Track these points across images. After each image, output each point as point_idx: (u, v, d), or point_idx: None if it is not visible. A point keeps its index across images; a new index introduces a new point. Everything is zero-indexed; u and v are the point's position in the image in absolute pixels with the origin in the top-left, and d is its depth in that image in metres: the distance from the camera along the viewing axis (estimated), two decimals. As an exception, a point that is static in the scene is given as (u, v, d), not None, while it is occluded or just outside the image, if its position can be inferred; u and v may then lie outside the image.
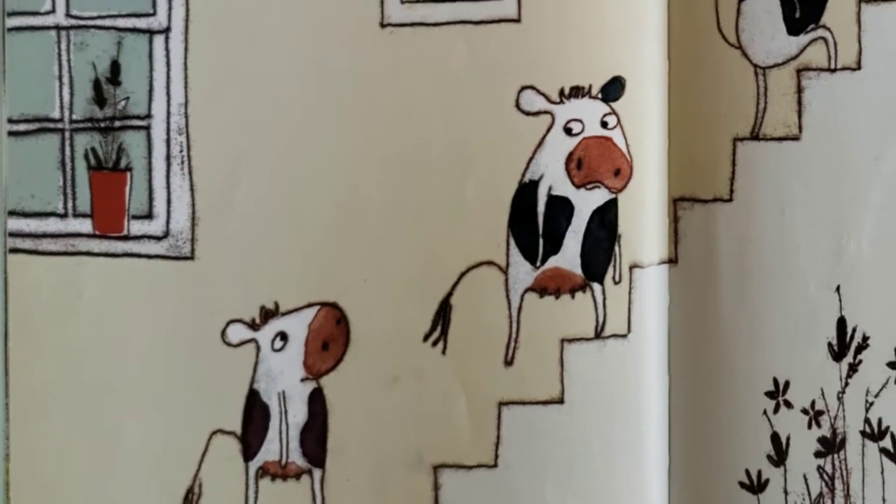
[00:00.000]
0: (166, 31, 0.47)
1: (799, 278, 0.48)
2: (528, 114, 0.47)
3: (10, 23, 0.47)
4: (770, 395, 0.48)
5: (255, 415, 0.47)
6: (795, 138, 0.49)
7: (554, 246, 0.48)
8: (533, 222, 0.47)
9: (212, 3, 0.47)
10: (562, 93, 0.47)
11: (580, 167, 0.48)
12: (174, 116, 0.47)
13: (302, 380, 0.47)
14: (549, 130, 0.48)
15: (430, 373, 0.47)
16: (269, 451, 0.47)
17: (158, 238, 0.47)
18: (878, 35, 0.48)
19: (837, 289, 0.48)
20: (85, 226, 0.47)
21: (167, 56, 0.47)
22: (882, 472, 0.48)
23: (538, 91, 0.47)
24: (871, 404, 0.48)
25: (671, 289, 0.48)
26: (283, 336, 0.47)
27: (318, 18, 0.47)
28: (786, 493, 0.48)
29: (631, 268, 0.48)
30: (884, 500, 0.48)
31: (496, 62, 0.47)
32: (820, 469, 0.48)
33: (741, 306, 0.48)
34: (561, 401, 0.47)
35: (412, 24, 0.47)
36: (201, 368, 0.47)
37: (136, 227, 0.48)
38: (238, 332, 0.47)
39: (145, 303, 0.47)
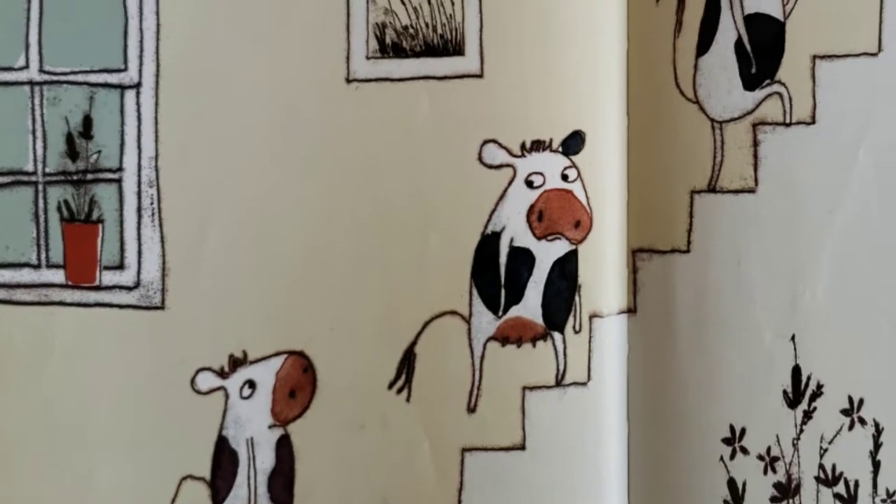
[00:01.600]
0: (137, 86, 0.49)
1: (755, 328, 0.50)
2: (490, 167, 0.49)
3: (-15, 78, 0.49)
4: (727, 441, 0.50)
5: (224, 461, 0.49)
6: (751, 191, 0.50)
7: (516, 296, 0.49)
8: (495, 273, 0.49)
9: (182, 59, 0.49)
10: (523, 146, 0.49)
11: (541, 219, 0.49)
12: (145, 170, 0.49)
13: (270, 427, 0.49)
14: (510, 183, 0.49)
15: (394, 420, 0.49)
16: (238, 496, 0.49)
17: (130, 288, 0.49)
18: (832, 90, 0.50)
19: (792, 338, 0.50)
20: (58, 276, 0.49)
21: (138, 110, 0.49)
22: (836, 517, 0.50)
23: (500, 145, 0.49)
24: (826, 450, 0.50)
25: (630, 338, 0.50)
26: (252, 384, 0.49)
27: (285, 73, 0.49)
28: (743, 536, 0.50)
29: (591, 317, 0.49)
30: (838, 544, 0.50)
31: (459, 116, 0.49)
32: (776, 514, 0.50)
33: (698, 355, 0.50)
34: (522, 447, 0.49)
35: (377, 80, 0.49)
36: (171, 415, 0.49)
37: (108, 278, 0.49)
38: (207, 380, 0.49)
39: (117, 351, 0.49)
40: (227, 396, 0.49)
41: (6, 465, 0.48)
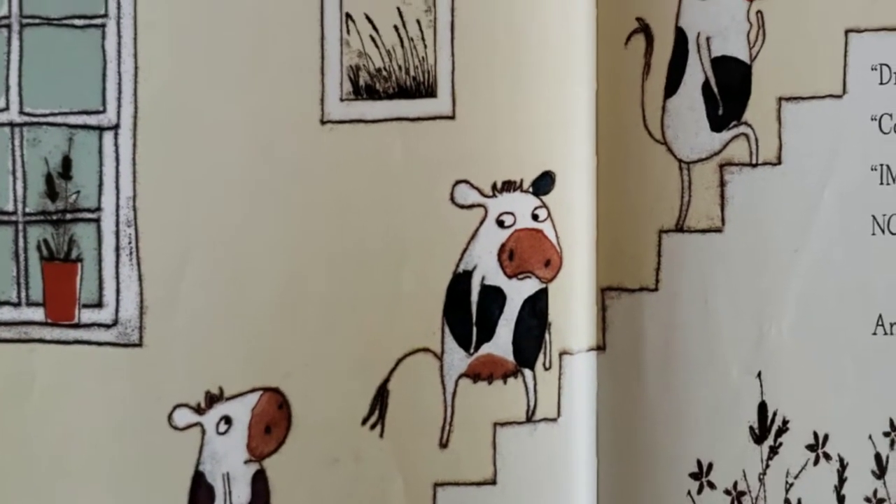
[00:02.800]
0: (115, 127, 0.50)
1: (722, 364, 0.51)
2: (462, 207, 0.50)
3: (-34, 120, 0.50)
4: (694, 476, 0.51)
5: (201, 496, 0.50)
6: (718, 230, 0.51)
7: (487, 333, 0.50)
8: (467, 311, 0.50)
9: (159, 101, 0.50)
10: (494, 187, 0.50)
11: (512, 258, 0.50)
12: (123, 209, 0.50)
13: (245, 462, 0.50)
14: (482, 223, 0.50)
15: (368, 455, 0.50)
16: (214, 530, 0.50)
17: (108, 326, 0.50)
18: (798, 131, 0.51)
19: (759, 374, 0.51)
20: (37, 314, 0.50)
21: (116, 151, 0.50)
22: (802, 551, 0.51)
23: (472, 185, 0.50)
24: (791, 485, 0.51)
25: (599, 374, 0.51)
26: (228, 420, 0.50)
27: (261, 115, 0.50)
28: (711, 570, 0.51)
29: (561, 354, 0.50)
30: (804, 577, 0.51)
31: (431, 157, 0.50)
32: (743, 547, 0.51)
33: (666, 391, 0.51)
34: (494, 482, 0.50)
35: (351, 121, 0.50)
36: (149, 451, 0.50)
37: (87, 316, 0.50)
38: (184, 417, 0.50)
39: (96, 388, 0.50)
40: (203, 432, 0.50)
41: (-14, 501, 0.49)
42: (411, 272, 0.50)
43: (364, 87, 0.50)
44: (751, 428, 0.51)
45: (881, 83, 0.51)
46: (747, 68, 0.51)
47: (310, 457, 0.50)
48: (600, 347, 0.51)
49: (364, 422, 0.50)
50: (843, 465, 0.51)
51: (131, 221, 0.50)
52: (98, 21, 0.50)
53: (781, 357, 0.51)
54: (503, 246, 0.50)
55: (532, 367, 0.50)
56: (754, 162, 0.51)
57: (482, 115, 0.50)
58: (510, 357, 0.50)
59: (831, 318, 0.51)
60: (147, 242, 0.50)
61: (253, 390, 0.50)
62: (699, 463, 0.51)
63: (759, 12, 0.51)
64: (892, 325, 0.51)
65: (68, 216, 0.50)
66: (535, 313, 0.50)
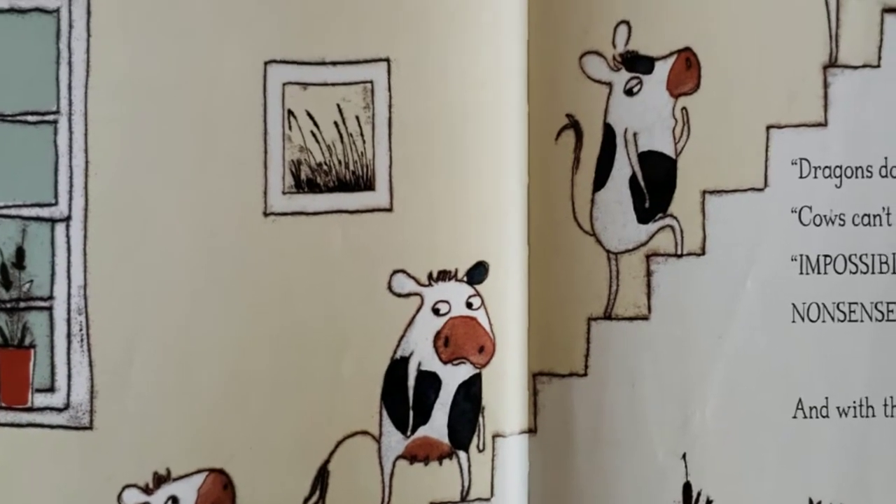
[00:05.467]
0: (67, 219, 0.52)
1: (648, 446, 0.53)
2: (399, 295, 0.53)
3: (-77, 213, 0.52)
4: (622, 554, 0.53)
5: (149, 573, 0.52)
6: (645, 318, 0.54)
7: (423, 417, 0.53)
8: (404, 395, 0.52)
9: (109, 194, 0.52)
10: (430, 276, 0.53)
11: (447, 345, 0.53)
12: (74, 298, 0.52)
13: (192, 540, 0.52)
14: (418, 311, 0.53)
15: (309, 533, 0.52)
16: None
17: (60, 409, 0.52)
18: (721, 223, 0.54)
19: (683, 456, 0.53)
20: (-8, 398, 0.52)
21: (68, 242, 0.52)
22: None
23: (409, 275, 0.53)
24: (715, 563, 0.53)
25: (531, 456, 0.53)
26: (175, 500, 0.52)
27: (206, 207, 0.52)
28: None
29: (494, 437, 0.53)
30: None
31: (370, 248, 0.53)
32: None
33: (595, 472, 0.53)
34: (430, 560, 0.52)
35: (293, 213, 0.53)
36: (99, 529, 0.52)
37: (40, 400, 0.53)
38: (133, 497, 0.52)
39: (48, 469, 0.52)
40: (151, 511, 0.52)
41: (-58, 579, 0.52)
42: (351, 358, 0.52)
43: (305, 181, 0.53)
44: (676, 507, 0.54)
45: (801, 177, 0.54)
46: (672, 163, 0.54)
47: (253, 535, 0.52)
48: (532, 430, 0.54)
49: (305, 502, 0.52)
50: (765, 543, 0.54)
51: (82, 309, 0.52)
52: (50, 117, 0.53)
53: (705, 439, 0.53)
54: (439, 333, 0.53)
55: (466, 449, 0.53)
56: (679, 253, 0.54)
57: (418, 208, 0.53)
58: (445, 439, 0.53)
59: (753, 403, 0.53)
60: (98, 330, 0.53)
61: (199, 471, 0.52)
62: (627, 541, 0.53)
63: (683, 109, 0.54)
64: (811, 409, 0.53)
65: (22, 304, 0.53)
66: (470, 397, 0.53)
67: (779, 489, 0.53)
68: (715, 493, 0.53)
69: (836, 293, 0.54)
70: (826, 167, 0.54)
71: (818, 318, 0.53)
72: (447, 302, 0.53)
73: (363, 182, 0.53)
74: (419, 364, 0.53)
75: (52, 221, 0.53)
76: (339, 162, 0.53)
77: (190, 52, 0.53)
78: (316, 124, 0.53)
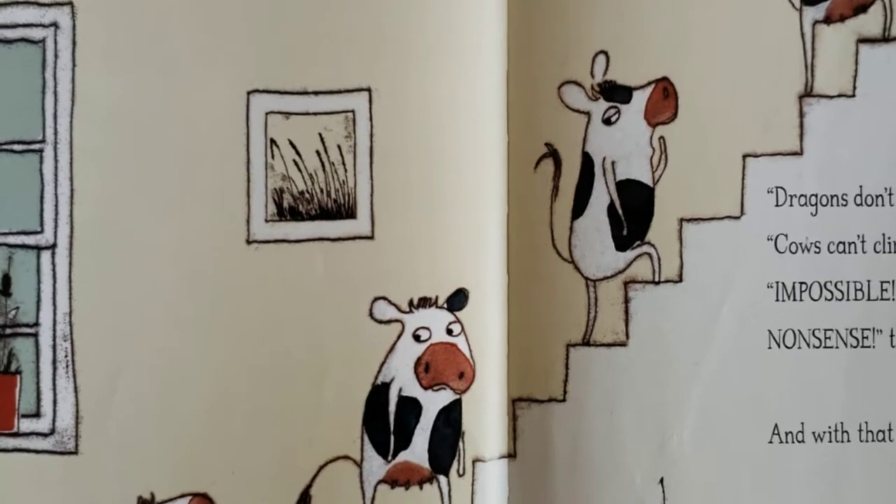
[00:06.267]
0: (53, 247, 0.53)
1: (626, 471, 0.54)
2: (380, 322, 0.53)
3: (-90, 243, 0.53)
4: (599, 578, 0.54)
5: None
6: (623, 344, 0.54)
7: (404, 442, 0.53)
8: (385, 420, 0.53)
9: (94, 222, 0.53)
10: (411, 303, 0.53)
11: (428, 370, 0.53)
12: (60, 325, 0.53)
13: (175, 563, 0.53)
14: (399, 337, 0.53)
15: (291, 557, 0.53)
16: None
17: (45, 435, 0.53)
18: (698, 250, 0.55)
19: (661, 480, 0.54)
20: (-22, 423, 0.53)
21: (53, 270, 0.53)
22: None
23: (390, 301, 0.53)
24: (691, 587, 0.54)
25: (510, 481, 0.54)
26: (158, 524, 0.53)
27: (190, 235, 0.53)
28: None
29: (474, 462, 0.53)
30: None
31: (352, 275, 0.54)
32: None
33: (574, 496, 0.54)
34: (411, 582, 0.53)
35: (275, 241, 0.54)
36: (84, 553, 0.53)
37: (25, 425, 0.53)
38: (117, 521, 0.53)
39: (33, 493, 0.53)
40: (135, 535, 0.53)
41: None
42: (333, 383, 0.53)
43: (288, 209, 0.54)
44: (654, 531, 0.54)
45: (777, 205, 0.55)
46: (650, 191, 0.55)
47: (236, 559, 0.53)
48: (511, 455, 0.54)
49: (288, 526, 0.53)
50: (740, 567, 0.54)
51: (67, 336, 0.53)
52: (36, 146, 0.54)
53: (683, 464, 0.54)
54: (419, 359, 0.54)
55: (447, 474, 0.54)
56: (657, 280, 0.55)
57: (399, 236, 0.54)
58: (426, 464, 0.54)
59: (730, 428, 0.54)
60: (83, 356, 0.53)
61: (182, 496, 0.53)
62: (605, 565, 0.54)
63: (661, 138, 0.55)
64: (787, 434, 0.54)
65: (8, 331, 0.54)
66: (450, 423, 0.53)
67: (755, 513, 0.54)
68: (692, 517, 0.54)
69: (811, 320, 0.54)
70: (802, 195, 0.55)
71: (794, 344, 0.54)
72: (428, 328, 0.54)
73: (345, 210, 0.54)
74: (400, 390, 0.54)
75: (38, 249, 0.54)
76: (321, 190, 0.54)
77: (174, 82, 0.53)
78: (298, 153, 0.54)
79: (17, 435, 0.54)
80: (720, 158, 0.55)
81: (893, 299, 0.54)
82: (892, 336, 0.54)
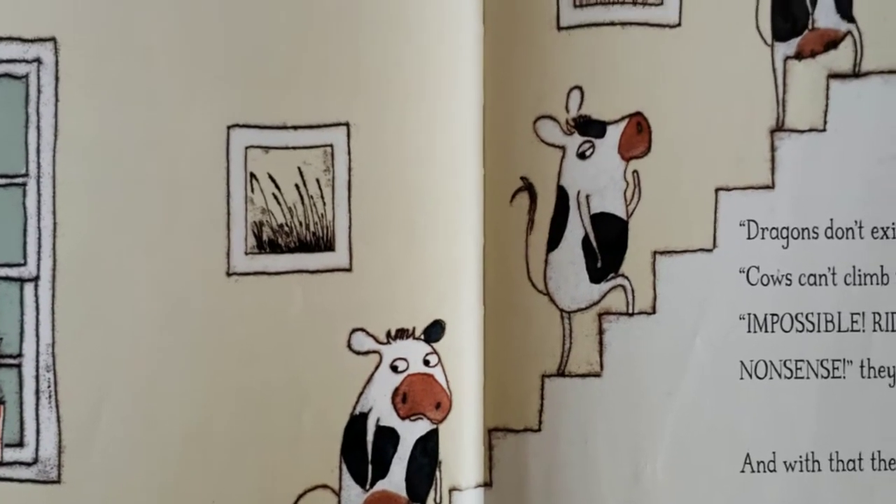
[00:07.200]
0: (35, 279, 0.54)
1: (600, 500, 0.55)
2: (358, 353, 0.54)
3: None
4: None
5: None
6: (597, 375, 0.55)
7: (382, 471, 0.54)
8: (363, 450, 0.54)
9: (77, 255, 0.54)
10: (388, 334, 0.54)
11: (405, 401, 0.54)
12: (42, 356, 0.54)
13: (156, 591, 0.54)
14: (377, 368, 0.54)
15: (271, 585, 0.54)
16: None
17: (28, 464, 0.54)
18: (671, 283, 0.55)
19: (634, 509, 0.55)
20: (-38, 453, 0.54)
21: (36, 302, 0.54)
22: None
23: (367, 333, 0.54)
24: None
25: (487, 509, 0.55)
26: (140, 552, 0.54)
27: (171, 267, 0.54)
28: None
29: (450, 490, 0.54)
30: None
31: (330, 307, 0.54)
32: None
33: (549, 525, 0.55)
34: None
35: (255, 273, 0.55)
36: (66, 580, 0.54)
37: (9, 455, 0.54)
38: (99, 549, 0.54)
39: (16, 522, 0.54)
40: (117, 563, 0.54)
41: None
42: (311, 414, 0.54)
43: (267, 242, 0.55)
44: (628, 560, 0.55)
45: (749, 238, 0.55)
46: (624, 224, 0.56)
47: (216, 586, 0.54)
48: (487, 484, 0.55)
49: (267, 554, 0.54)
50: None
51: (50, 367, 0.54)
52: (19, 180, 0.54)
53: (656, 494, 0.55)
54: (397, 390, 0.55)
55: (424, 503, 0.54)
56: (631, 311, 0.56)
57: (377, 268, 0.54)
58: (403, 493, 0.55)
59: (703, 458, 0.55)
60: (65, 386, 0.54)
61: (163, 524, 0.54)
62: (580, 593, 0.55)
63: (635, 172, 0.56)
64: (759, 463, 0.55)
65: (-9, 362, 0.55)
66: (427, 452, 0.54)
67: (726, 541, 0.55)
68: (666, 546, 0.55)
69: (782, 351, 0.55)
70: (773, 228, 0.55)
71: (766, 375, 0.55)
72: (405, 359, 0.55)
73: (323, 243, 0.55)
74: (378, 420, 0.54)
75: (21, 281, 0.54)
76: (300, 223, 0.55)
77: (155, 117, 0.54)
78: (277, 187, 0.55)
79: (0, 465, 0.54)
80: (693, 192, 0.56)
81: (863, 330, 0.55)
82: (862, 367, 0.55)
